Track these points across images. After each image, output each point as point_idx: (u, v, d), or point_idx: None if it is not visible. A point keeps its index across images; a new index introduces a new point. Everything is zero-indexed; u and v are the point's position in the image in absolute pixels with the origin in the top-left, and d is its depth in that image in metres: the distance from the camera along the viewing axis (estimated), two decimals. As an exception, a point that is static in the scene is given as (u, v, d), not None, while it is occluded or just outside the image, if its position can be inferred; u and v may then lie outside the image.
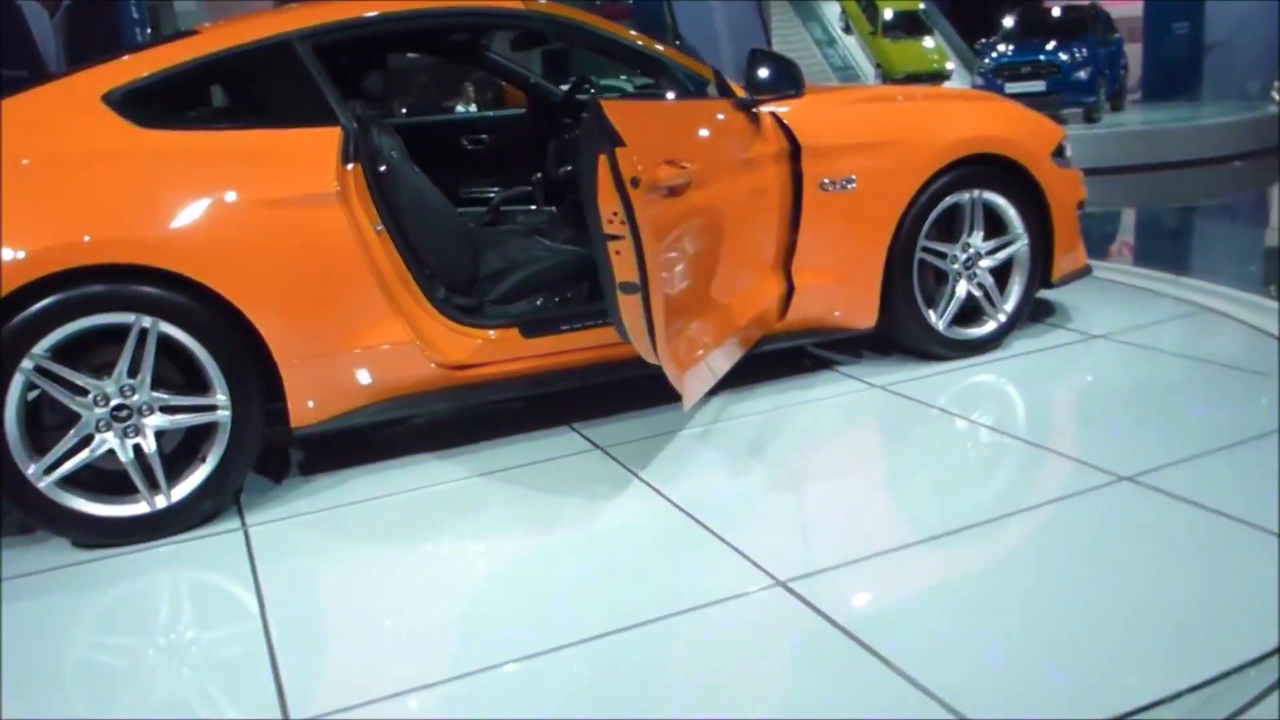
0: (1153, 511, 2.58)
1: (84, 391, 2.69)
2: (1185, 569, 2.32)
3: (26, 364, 2.60)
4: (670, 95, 3.45)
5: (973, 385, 3.68)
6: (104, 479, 2.78)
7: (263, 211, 2.81)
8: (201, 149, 2.84)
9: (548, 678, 2.05)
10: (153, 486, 2.79)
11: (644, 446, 3.20)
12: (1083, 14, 14.28)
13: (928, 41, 19.69)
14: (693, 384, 2.80)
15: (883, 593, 2.31)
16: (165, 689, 2.15)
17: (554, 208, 4.36)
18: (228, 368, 2.79)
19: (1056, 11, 14.97)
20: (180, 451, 2.86)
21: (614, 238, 2.50)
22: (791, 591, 2.27)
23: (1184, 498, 2.61)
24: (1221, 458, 2.86)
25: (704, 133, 3.11)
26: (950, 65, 19.61)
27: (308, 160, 2.88)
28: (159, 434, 2.78)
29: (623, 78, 8.23)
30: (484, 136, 4.65)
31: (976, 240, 3.83)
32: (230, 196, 2.79)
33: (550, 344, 3.22)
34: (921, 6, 20.24)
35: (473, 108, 9.66)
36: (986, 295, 3.89)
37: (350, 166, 2.91)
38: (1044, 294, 4.15)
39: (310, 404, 2.94)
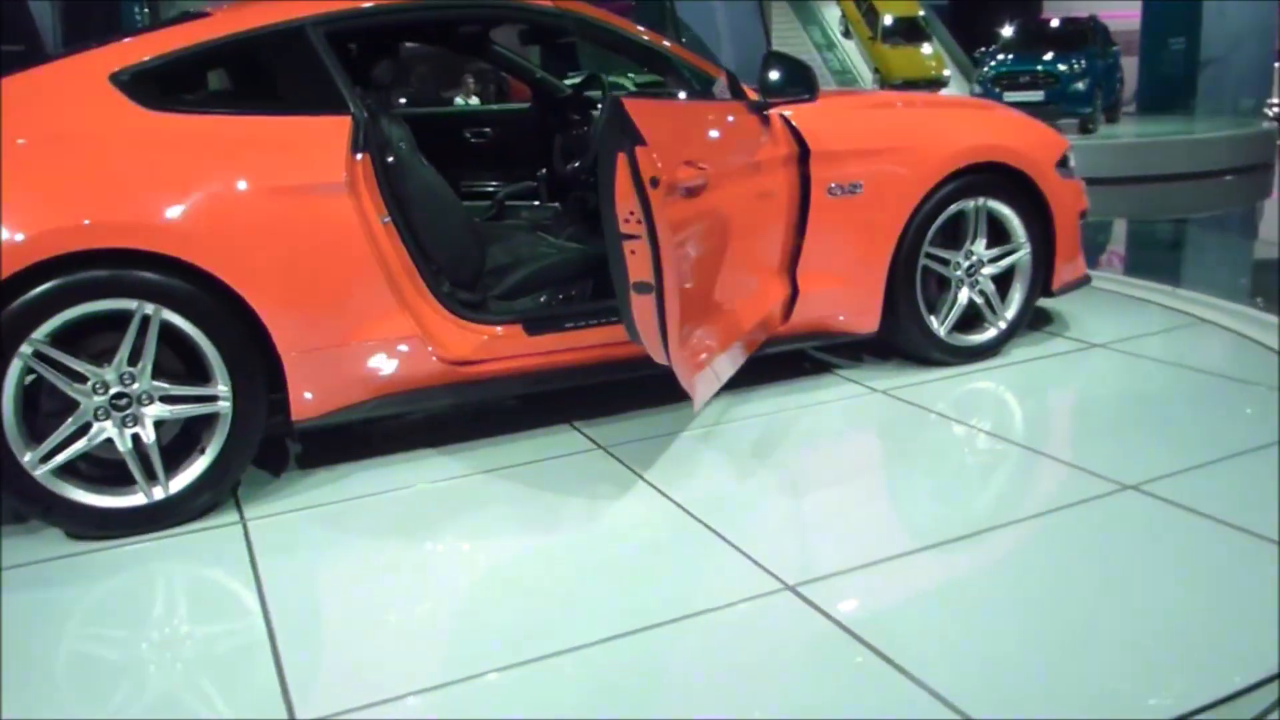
0: (1157, 520, 2.59)
1: (83, 378, 2.65)
2: (1191, 578, 2.32)
3: (25, 349, 2.56)
4: (682, 95, 3.43)
5: (974, 392, 3.67)
6: (100, 468, 2.75)
7: (270, 199, 2.78)
8: (209, 134, 2.80)
9: (553, 682, 2.03)
10: (150, 477, 2.75)
11: (646, 447, 3.18)
12: (1082, 26, 14.35)
13: (926, 48, 19.74)
14: (702, 387, 2.79)
15: (892, 598, 2.29)
16: (164, 686, 2.11)
17: (558, 204, 4.33)
18: (230, 358, 2.76)
19: (1055, 23, 15.03)
20: (178, 442, 2.83)
21: (630, 237, 2.48)
22: (801, 596, 2.26)
23: (1189, 507, 2.62)
24: (1224, 468, 2.87)
25: (719, 134, 3.10)
26: (948, 72, 19.66)
27: (317, 148, 2.85)
28: (158, 424, 2.75)
29: (630, 75, 8.20)
30: (487, 130, 4.62)
31: (979, 248, 3.83)
32: (237, 183, 2.76)
33: (554, 341, 3.19)
34: (921, 13, 20.28)
35: (473, 100, 9.62)
36: (988, 302, 3.90)
37: (360, 156, 2.88)
38: (1042, 302, 4.16)
39: (312, 397, 2.91)
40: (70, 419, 2.66)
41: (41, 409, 2.68)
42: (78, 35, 7.48)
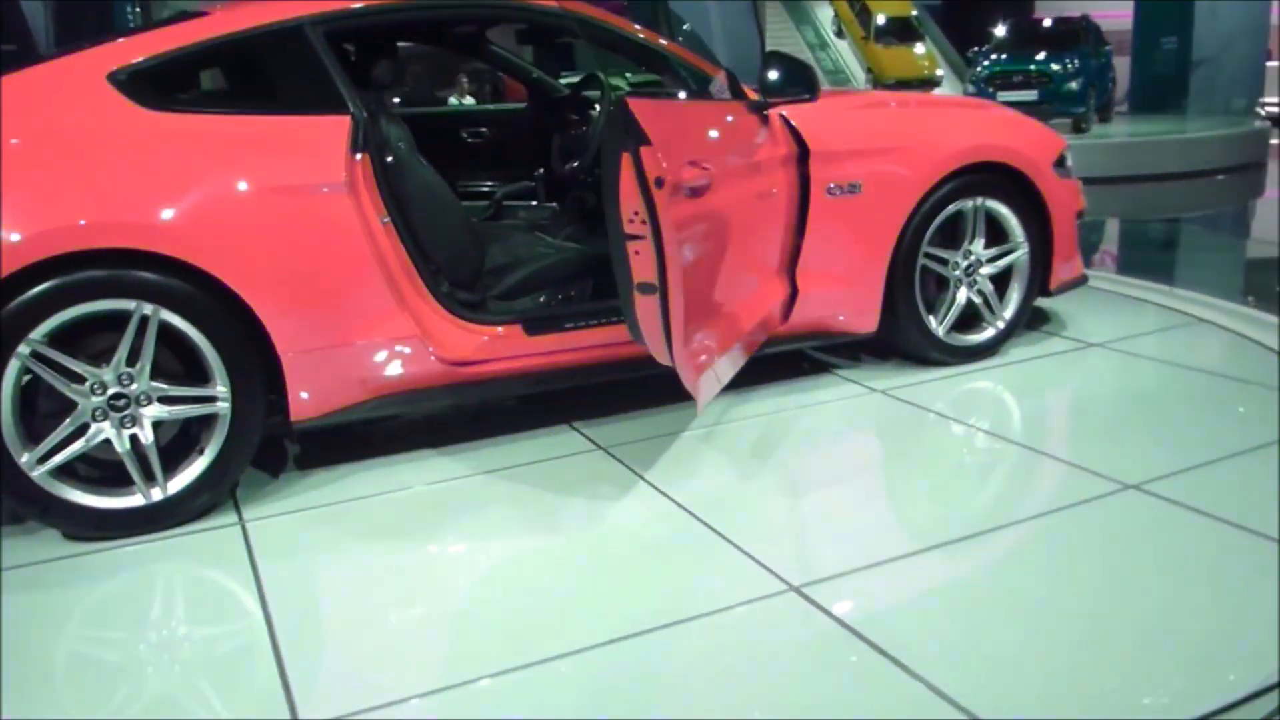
0: (1160, 520, 2.59)
1: (81, 379, 2.64)
2: (1194, 577, 2.32)
3: (23, 349, 2.55)
4: (682, 94, 3.43)
5: (973, 391, 3.68)
6: (98, 469, 2.73)
7: (269, 199, 2.76)
8: (208, 133, 2.79)
9: (557, 685, 2.01)
10: (149, 478, 2.74)
11: (647, 447, 3.17)
12: (1074, 25, 14.37)
13: (919, 48, 19.75)
14: (705, 388, 2.78)
15: (897, 599, 2.29)
16: (167, 688, 2.10)
17: (555, 204, 4.32)
18: (229, 358, 2.74)
19: (1048, 22, 15.07)
20: (176, 443, 2.81)
21: (634, 237, 2.47)
22: (806, 597, 2.25)
23: (1191, 506, 2.62)
24: (1224, 467, 2.88)
25: (722, 134, 3.09)
26: (940, 72, 19.68)
27: (316, 148, 2.84)
28: (156, 425, 2.73)
29: (626, 75, 8.19)
30: (484, 130, 4.61)
31: (978, 247, 3.84)
32: (236, 183, 2.74)
33: (554, 342, 3.18)
34: (914, 13, 20.29)
35: (467, 99, 9.60)
36: (986, 302, 3.90)
37: (359, 156, 2.86)
38: (1039, 302, 4.16)
39: (311, 397, 2.89)
40: (68, 420, 2.64)
41: (39, 410, 2.66)
42: (70, 35, 7.46)
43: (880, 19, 19.81)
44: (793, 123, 3.46)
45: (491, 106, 6.54)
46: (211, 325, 2.72)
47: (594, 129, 3.80)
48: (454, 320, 3.04)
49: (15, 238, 2.48)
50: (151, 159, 2.71)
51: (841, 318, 3.66)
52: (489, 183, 4.50)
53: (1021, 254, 3.91)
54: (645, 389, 3.53)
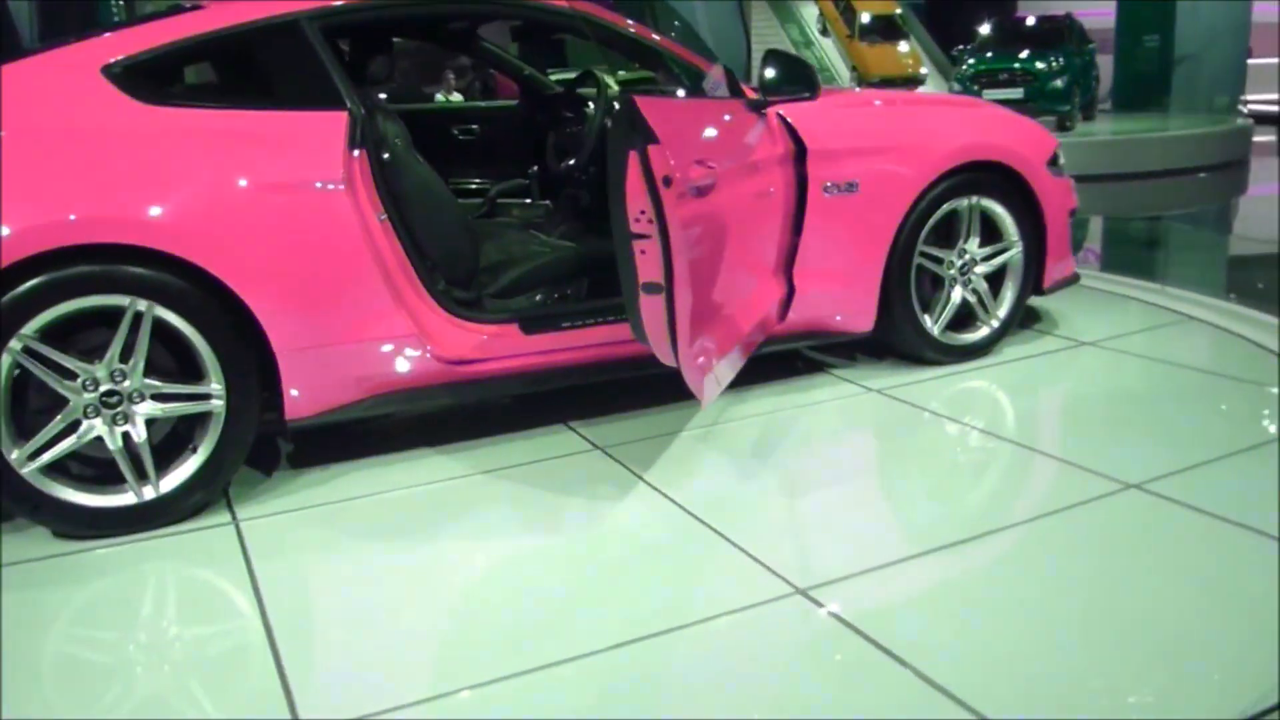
0: (1164, 520, 2.59)
1: (73, 375, 2.60)
2: (1199, 576, 2.32)
3: (14, 344, 2.51)
4: (680, 92, 3.41)
5: (970, 391, 3.67)
6: (90, 467, 2.70)
7: (266, 195, 2.73)
8: (204, 128, 2.74)
9: (562, 690, 1.99)
10: (141, 476, 2.70)
11: (644, 447, 3.16)
12: (1058, 24, 14.42)
13: (903, 46, 19.78)
14: (709, 388, 2.76)
15: (904, 601, 2.27)
16: (163, 688, 2.07)
17: (548, 201, 4.29)
18: (224, 356, 2.71)
19: (1031, 21, 15.11)
20: (169, 441, 2.78)
21: (640, 236, 2.45)
22: (812, 600, 2.24)
23: (1194, 506, 2.63)
24: (1224, 466, 2.88)
25: (724, 133, 3.07)
26: (925, 70, 19.72)
27: (314, 144, 2.80)
28: (149, 422, 2.70)
29: (620, 72, 8.15)
30: (474, 126, 4.58)
31: (973, 246, 3.84)
32: (233, 178, 2.71)
33: (551, 341, 3.16)
34: (898, 11, 20.33)
35: (454, 96, 9.55)
36: (980, 301, 3.91)
37: (357, 153, 2.83)
38: (1030, 300, 4.17)
39: (306, 395, 2.86)
40: (59, 416, 2.60)
41: (29, 405, 2.62)
42: (55, 34, 7.37)
43: (865, 17, 19.84)
44: (789, 121, 3.45)
45: (483, 103, 6.50)
46: (206, 322, 2.68)
47: (589, 127, 3.78)
48: (450, 319, 3.01)
49: (5, 232, 2.44)
50: (146, 154, 2.67)
51: (838, 317, 3.65)
52: (476, 180, 4.46)
53: (1016, 253, 3.91)
54: (641, 389, 3.52)
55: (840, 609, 2.21)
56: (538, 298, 3.42)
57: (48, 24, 7.33)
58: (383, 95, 3.77)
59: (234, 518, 2.80)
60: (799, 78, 3.33)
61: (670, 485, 2.87)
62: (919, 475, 2.99)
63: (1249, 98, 15.74)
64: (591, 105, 4.00)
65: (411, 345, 2.96)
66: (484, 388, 3.15)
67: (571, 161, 3.82)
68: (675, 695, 1.99)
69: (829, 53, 20.43)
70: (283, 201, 2.75)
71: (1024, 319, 4.28)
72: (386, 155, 2.96)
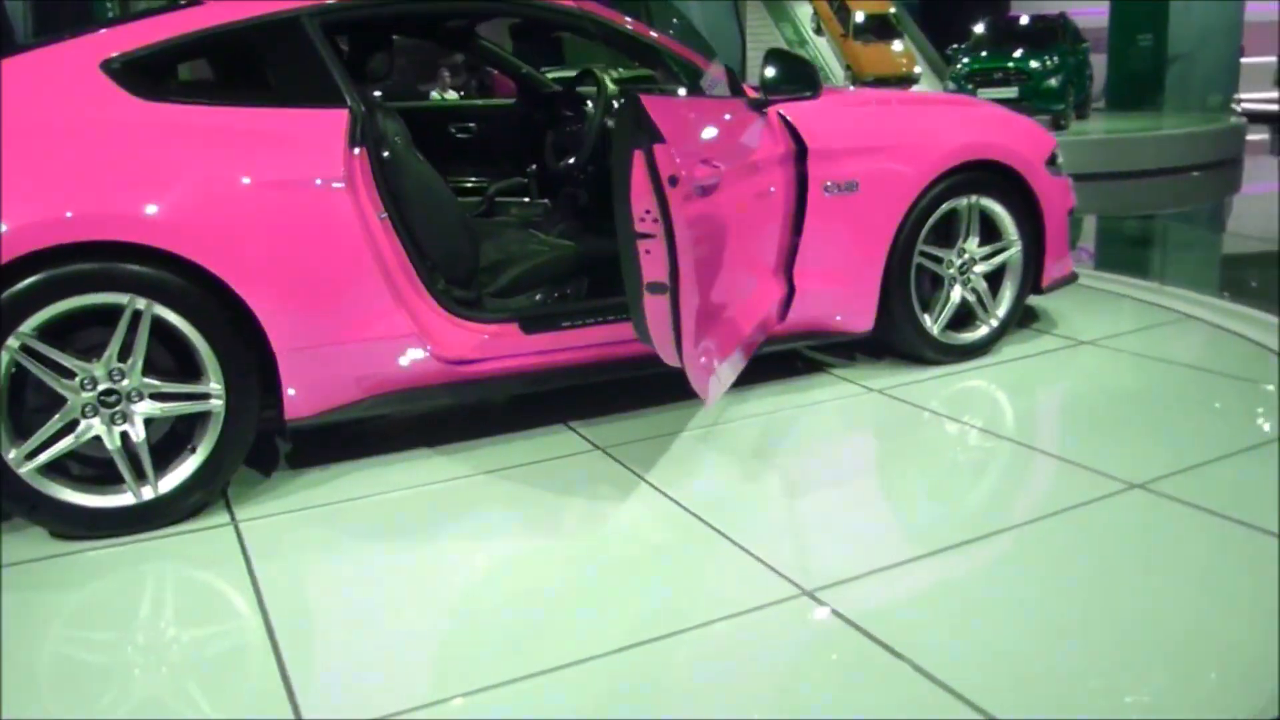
0: (1169, 519, 2.59)
1: (71, 374, 2.58)
2: (1208, 576, 2.32)
3: (12, 342, 2.49)
4: (681, 91, 3.39)
5: (970, 390, 3.67)
6: (88, 467, 2.67)
7: (266, 193, 2.71)
8: (204, 125, 2.72)
9: (566, 695, 1.97)
10: (140, 476, 2.68)
11: (645, 448, 3.14)
12: (1052, 23, 14.45)
13: (897, 45, 19.77)
14: (714, 389, 2.75)
15: (913, 602, 2.26)
16: (164, 691, 2.05)
17: (547, 200, 4.28)
18: (223, 355, 2.69)
19: (1025, 20, 15.13)
20: (168, 440, 2.75)
21: (645, 236, 2.43)
22: (819, 601, 2.23)
23: (1199, 505, 2.62)
24: (1228, 465, 2.88)
25: (728, 132, 3.05)
26: (919, 69, 19.72)
27: (314, 142, 2.78)
28: (147, 421, 2.68)
29: (619, 70, 8.14)
30: (471, 125, 4.56)
31: (972, 246, 3.83)
32: (232, 176, 2.69)
33: (551, 340, 3.14)
34: (892, 10, 20.33)
35: (449, 94, 9.52)
36: (980, 300, 3.90)
37: (357, 151, 2.82)
38: (1028, 300, 4.16)
39: (307, 395, 2.84)
40: (57, 416, 2.58)
41: (27, 404, 2.60)
42: (49, 26, 7.33)
43: (859, 16, 19.83)
44: (789, 120, 3.44)
45: (480, 102, 6.48)
46: (205, 320, 2.66)
47: (589, 125, 3.76)
48: (451, 318, 2.99)
49: (2, 229, 2.42)
50: (145, 150, 2.64)
51: (838, 317, 3.65)
52: (473, 178, 4.45)
53: (1015, 252, 3.91)
54: (641, 389, 3.51)
55: (848, 610, 2.19)
56: (537, 297, 3.40)
57: (42, 20, 7.28)
58: (377, 93, 3.74)
59: (233, 518, 2.78)
60: (801, 76, 3.32)
61: (672, 485, 2.86)
62: (922, 475, 2.98)
63: (1242, 96, 15.79)
64: (590, 104, 3.99)
65: (411, 345, 2.94)
66: (484, 388, 3.13)
67: (571, 160, 3.81)
68: (682, 699, 1.97)
69: (823, 52, 20.40)
70: (283, 199, 2.73)
71: (1022, 318, 4.28)
72: (386, 153, 2.95)
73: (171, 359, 2.71)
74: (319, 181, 2.76)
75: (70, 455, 2.63)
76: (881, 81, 18.36)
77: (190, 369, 2.71)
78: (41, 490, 2.60)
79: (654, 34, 3.54)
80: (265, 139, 2.76)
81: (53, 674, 2.12)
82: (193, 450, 2.75)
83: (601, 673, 2.02)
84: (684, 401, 3.44)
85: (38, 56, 2.75)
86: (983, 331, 3.94)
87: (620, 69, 7.43)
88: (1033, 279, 4.01)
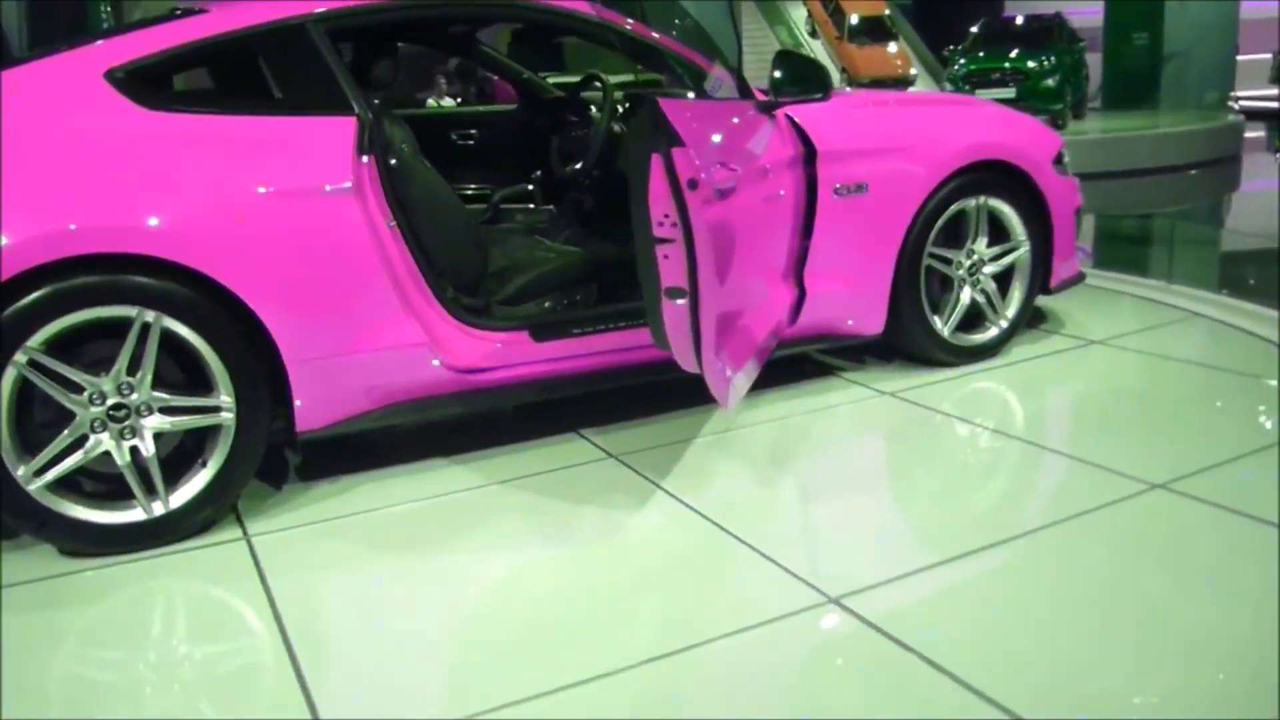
0: (1193, 519, 2.56)
1: (79, 388, 2.55)
2: (1237, 576, 2.29)
3: (20, 357, 2.45)
4: (689, 95, 3.37)
5: (983, 392, 3.65)
6: (98, 482, 2.64)
7: (274, 202, 2.68)
8: (210, 134, 2.69)
9: (590, 710, 1.93)
10: (150, 492, 2.65)
11: (659, 455, 3.11)
12: (1048, 23, 14.46)
13: (892, 47, 19.80)
14: (732, 395, 2.72)
15: (940, 608, 2.23)
16: (184, 710, 2.01)
17: (552, 206, 4.25)
18: (233, 367, 2.66)
19: (1020, 20, 15.14)
20: (177, 455, 2.72)
21: (663, 241, 2.41)
22: (847, 609, 2.20)
23: (1222, 505, 2.60)
24: (1249, 463, 2.85)
25: (741, 135, 3.03)
26: (914, 71, 19.74)
27: (323, 150, 2.75)
28: (157, 436, 2.64)
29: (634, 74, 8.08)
30: (473, 131, 4.54)
31: (981, 246, 3.81)
32: (239, 185, 2.66)
33: (561, 348, 3.12)
34: (887, 12, 20.35)
35: (445, 101, 9.49)
36: (989, 301, 3.88)
37: (365, 159, 2.79)
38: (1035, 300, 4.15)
39: (317, 407, 2.81)
40: (66, 431, 2.55)
41: (35, 420, 2.56)
42: (45, 36, 7.30)
43: (853, 19, 19.87)
44: (797, 122, 3.42)
45: (482, 108, 6.45)
46: (215, 333, 2.63)
47: (595, 130, 3.74)
48: (461, 327, 2.96)
49: (5, 243, 2.38)
50: (150, 161, 2.61)
51: (849, 320, 3.62)
52: (480, 185, 4.42)
53: (1023, 252, 3.89)
54: (651, 395, 3.48)
55: (877, 618, 2.15)
56: (546, 304, 3.38)
57: (37, 27, 7.26)
58: (375, 101, 3.71)
59: (245, 533, 2.75)
60: (811, 78, 3.30)
61: (688, 492, 2.83)
62: (942, 479, 2.95)
63: (1239, 93, 15.80)
64: (595, 109, 3.97)
65: (422, 354, 2.91)
66: (495, 396, 3.10)
67: (577, 166, 3.78)
68: (713, 713, 1.93)
69: (818, 54, 20.43)
70: (291, 208, 2.70)
71: (1030, 319, 4.26)
72: (393, 161, 2.92)
73: (180, 372, 2.68)
74: (328, 190, 2.73)
75: (79, 471, 2.59)
76: (877, 83, 18.39)
77: (199, 382, 2.68)
78: (50, 507, 2.56)
79: (655, 35, 3.51)
80: (272, 147, 2.73)
81: (65, 694, 2.09)
82: (203, 464, 2.72)
83: (628, 686, 1.99)
84: (696, 407, 3.42)
85: (40, 67, 2.72)
86: (993, 333, 3.92)
87: (630, 74, 7.38)
88: (1041, 279, 3.99)
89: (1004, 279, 3.92)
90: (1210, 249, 7.58)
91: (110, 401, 2.57)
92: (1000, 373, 3.82)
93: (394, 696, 2.00)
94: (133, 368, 2.58)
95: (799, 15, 21.18)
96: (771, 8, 21.18)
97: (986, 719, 1.82)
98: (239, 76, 3.12)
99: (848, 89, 15.79)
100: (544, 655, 2.12)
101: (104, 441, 2.59)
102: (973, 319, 3.89)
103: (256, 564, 2.57)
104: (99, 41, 2.77)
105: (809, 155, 3.39)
